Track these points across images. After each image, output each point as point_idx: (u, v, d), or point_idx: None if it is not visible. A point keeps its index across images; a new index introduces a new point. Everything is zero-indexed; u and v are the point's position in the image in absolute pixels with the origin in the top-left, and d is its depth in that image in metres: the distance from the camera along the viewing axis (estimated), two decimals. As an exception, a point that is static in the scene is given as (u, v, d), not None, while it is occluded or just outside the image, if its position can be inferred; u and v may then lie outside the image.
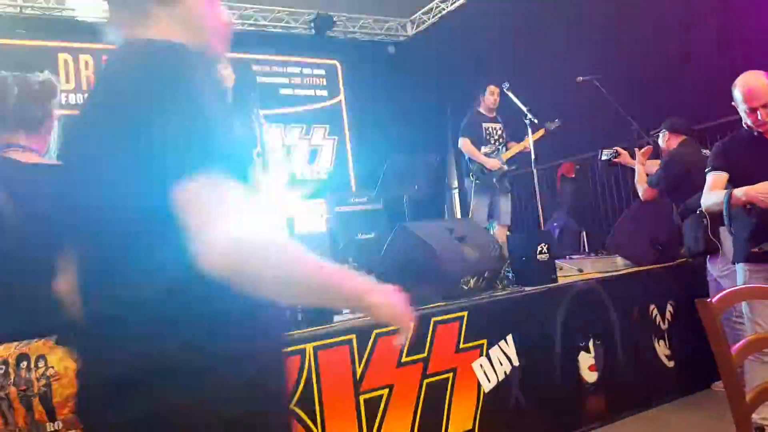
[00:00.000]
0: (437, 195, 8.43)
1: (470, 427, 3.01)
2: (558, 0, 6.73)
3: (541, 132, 5.19)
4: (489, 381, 3.10)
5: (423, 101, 8.51)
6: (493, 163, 5.41)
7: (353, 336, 2.69)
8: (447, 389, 2.95)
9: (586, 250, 6.40)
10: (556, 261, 3.84)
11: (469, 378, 3.03)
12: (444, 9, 8.72)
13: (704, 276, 3.77)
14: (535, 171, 4.82)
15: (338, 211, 6.76)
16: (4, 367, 1.43)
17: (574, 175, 7.01)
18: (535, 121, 4.91)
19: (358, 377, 2.68)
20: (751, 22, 4.88)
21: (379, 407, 2.72)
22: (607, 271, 4.05)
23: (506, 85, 5.16)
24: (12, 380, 1.42)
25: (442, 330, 2.97)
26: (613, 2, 6.17)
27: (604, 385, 3.55)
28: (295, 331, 2.58)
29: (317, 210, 8.27)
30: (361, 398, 2.67)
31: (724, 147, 3.03)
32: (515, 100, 5.00)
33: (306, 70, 8.76)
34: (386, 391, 2.75)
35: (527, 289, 3.46)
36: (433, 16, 8.96)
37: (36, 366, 1.43)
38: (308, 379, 2.52)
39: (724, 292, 1.82)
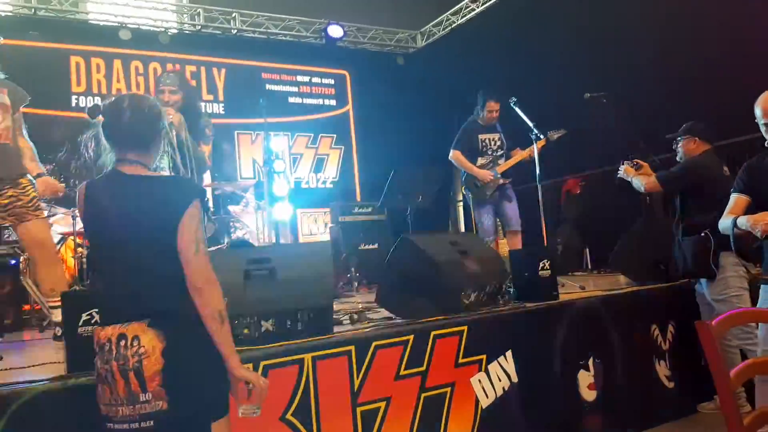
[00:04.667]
0: (441, 208, 8.44)
1: (467, 442, 2.98)
2: (568, 16, 6.76)
3: (542, 142, 4.94)
4: (487, 397, 3.08)
5: (430, 113, 8.53)
6: (484, 174, 5.14)
7: (352, 347, 2.68)
8: (445, 403, 2.94)
9: (589, 267, 6.40)
10: (559, 277, 3.83)
11: (467, 393, 3.02)
12: (454, 22, 8.78)
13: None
14: (539, 186, 4.79)
15: (342, 220, 6.78)
16: (108, 344, 1.70)
17: (579, 192, 7.02)
18: (541, 136, 4.88)
19: (355, 389, 2.67)
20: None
21: (376, 420, 2.71)
22: (610, 289, 4.03)
23: (513, 99, 5.09)
24: (114, 356, 1.69)
25: (441, 344, 2.96)
26: (624, 18, 6.20)
27: (603, 404, 3.53)
28: (294, 341, 2.58)
29: (321, 218, 8.30)
30: (359, 410, 2.66)
31: (749, 168, 2.87)
32: (522, 115, 4.97)
33: (315, 80, 8.81)
34: (383, 403, 2.74)
35: (528, 305, 3.45)
36: (443, 29, 9.02)
37: (131, 345, 1.68)
38: (305, 390, 2.52)
39: (724, 315, 1.82)
